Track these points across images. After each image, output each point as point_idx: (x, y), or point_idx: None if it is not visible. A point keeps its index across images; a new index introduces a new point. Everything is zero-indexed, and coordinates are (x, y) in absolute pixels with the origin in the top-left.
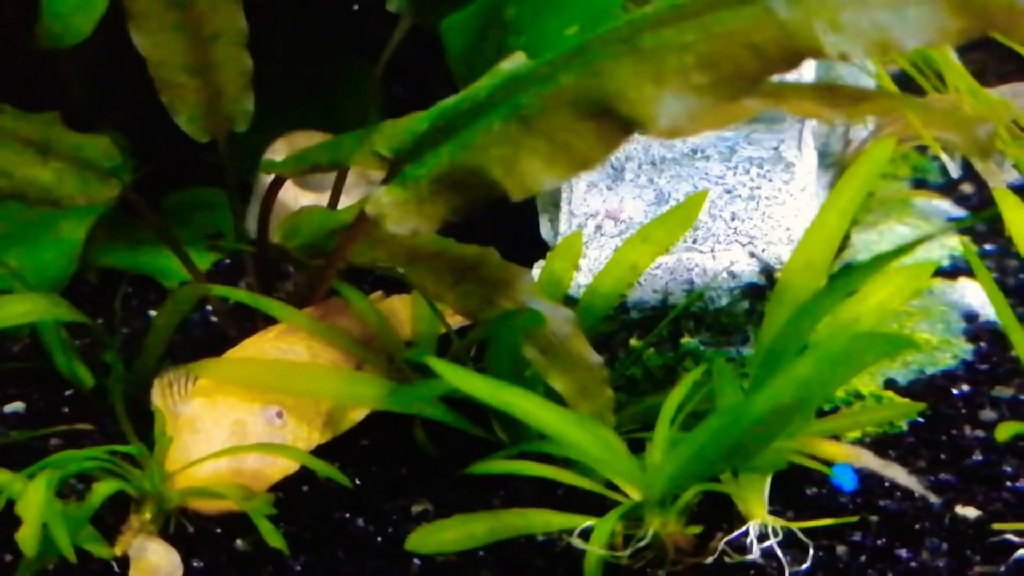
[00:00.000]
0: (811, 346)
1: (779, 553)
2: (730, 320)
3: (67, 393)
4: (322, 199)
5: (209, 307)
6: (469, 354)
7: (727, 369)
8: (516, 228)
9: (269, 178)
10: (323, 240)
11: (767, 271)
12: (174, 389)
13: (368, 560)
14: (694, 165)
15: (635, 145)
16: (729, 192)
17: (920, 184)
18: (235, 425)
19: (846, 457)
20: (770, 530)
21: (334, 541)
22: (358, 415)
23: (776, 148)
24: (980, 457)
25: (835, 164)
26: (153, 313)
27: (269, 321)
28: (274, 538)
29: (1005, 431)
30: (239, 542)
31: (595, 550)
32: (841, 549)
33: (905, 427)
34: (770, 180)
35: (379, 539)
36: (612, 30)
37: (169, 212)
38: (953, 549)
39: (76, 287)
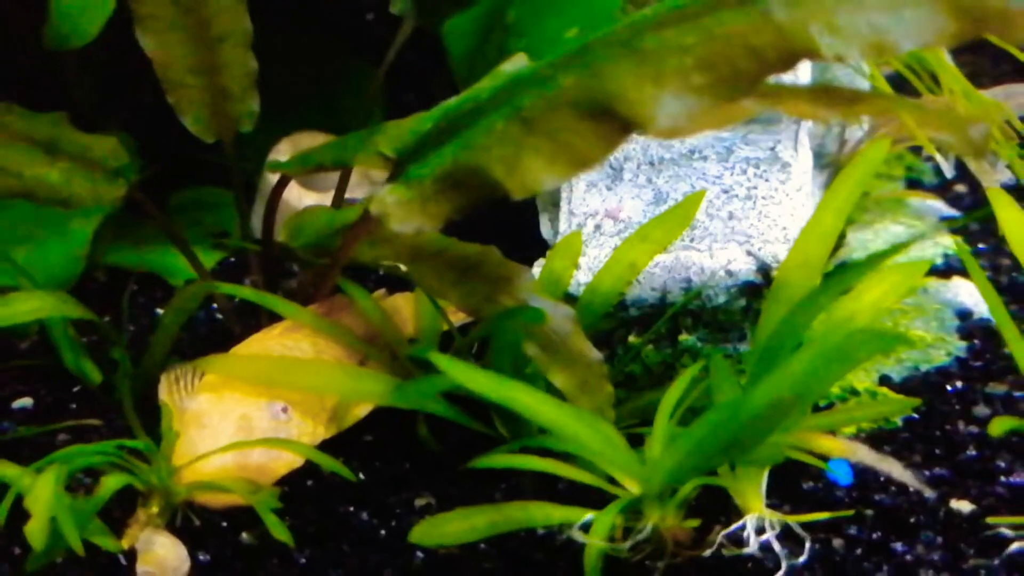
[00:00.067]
0: (807, 343)
1: (776, 546)
2: (727, 317)
3: (75, 389)
4: (325, 199)
5: (215, 305)
6: (471, 351)
7: (724, 365)
8: (517, 227)
9: (274, 178)
10: (327, 239)
11: (764, 269)
12: (181, 385)
13: (372, 553)
14: (692, 165)
15: (634, 145)
16: (726, 192)
17: (914, 184)
18: (241, 420)
19: (842, 452)
20: (767, 523)
21: (339, 534)
22: (362, 411)
23: (772, 148)
24: (974, 452)
25: (831, 164)
26: (160, 311)
27: (274, 318)
28: (279, 531)
29: (999, 426)
30: (245, 535)
31: (595, 543)
32: (837, 542)
33: (900, 423)
34: (767, 180)
35: (383, 532)
36: (612, 32)
37: (175, 211)
38: (948, 543)
39: (84, 285)
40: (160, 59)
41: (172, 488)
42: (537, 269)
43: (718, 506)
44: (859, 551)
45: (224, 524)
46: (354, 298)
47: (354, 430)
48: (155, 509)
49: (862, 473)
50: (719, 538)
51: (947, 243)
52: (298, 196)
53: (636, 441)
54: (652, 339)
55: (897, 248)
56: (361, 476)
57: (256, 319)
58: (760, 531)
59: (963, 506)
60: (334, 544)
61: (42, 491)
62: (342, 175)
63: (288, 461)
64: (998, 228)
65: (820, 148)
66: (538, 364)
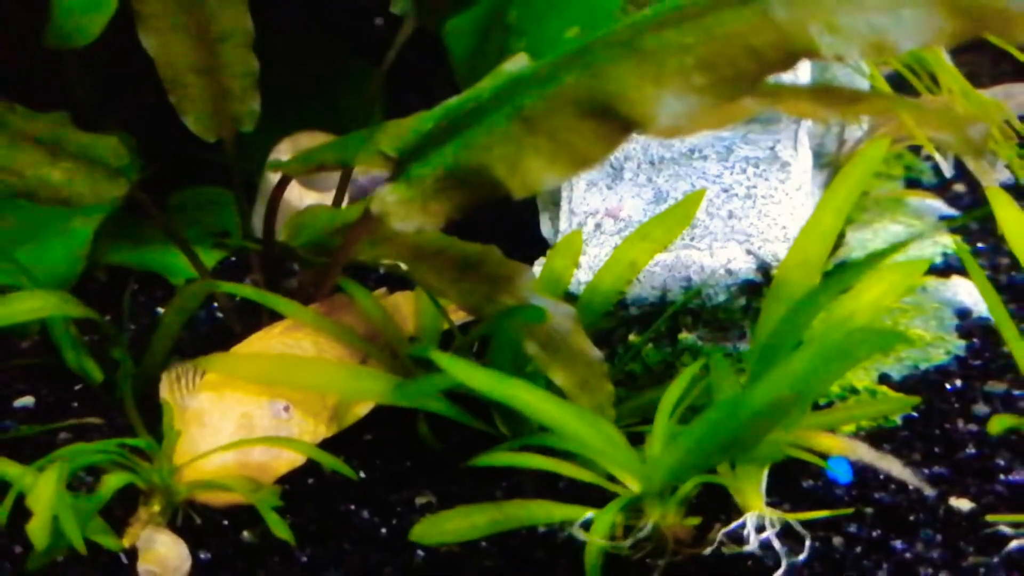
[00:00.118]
0: (806, 341)
1: (776, 544)
2: (727, 316)
3: (76, 388)
4: (326, 198)
5: (215, 304)
6: (471, 349)
7: (724, 364)
8: (517, 226)
9: (274, 177)
10: (328, 238)
11: (763, 268)
12: (182, 383)
13: (373, 551)
14: (692, 164)
15: (634, 145)
16: (726, 191)
17: (914, 183)
18: (242, 419)
19: (842, 450)
20: (767, 521)
21: (340, 533)
22: (363, 409)
23: (772, 148)
24: (973, 450)
25: (830, 164)
26: (160, 310)
27: (274, 317)
28: (281, 530)
29: (998, 424)
30: (246, 534)
31: (596, 541)
32: (837, 540)
33: (899, 421)
34: (766, 179)
35: (384, 530)
36: (613, 32)
37: (175, 211)
38: (947, 541)
39: (85, 284)
40: (162, 58)
41: (173, 487)
42: (538, 268)
43: (718, 504)
44: (859, 549)
45: (225, 522)
46: (355, 297)
47: (355, 428)
48: (156, 508)
49: (862, 471)
50: (719, 536)
51: (946, 242)
52: (299, 195)
53: (636, 439)
54: (652, 338)
55: (896, 247)
56: (362, 474)
57: (257, 318)
58: (760, 529)
59: (962, 504)
60: (335, 542)
61: (44, 490)
62: (343, 175)
63: (289, 459)
64: (997, 227)
65: (819, 147)
66: (539, 363)
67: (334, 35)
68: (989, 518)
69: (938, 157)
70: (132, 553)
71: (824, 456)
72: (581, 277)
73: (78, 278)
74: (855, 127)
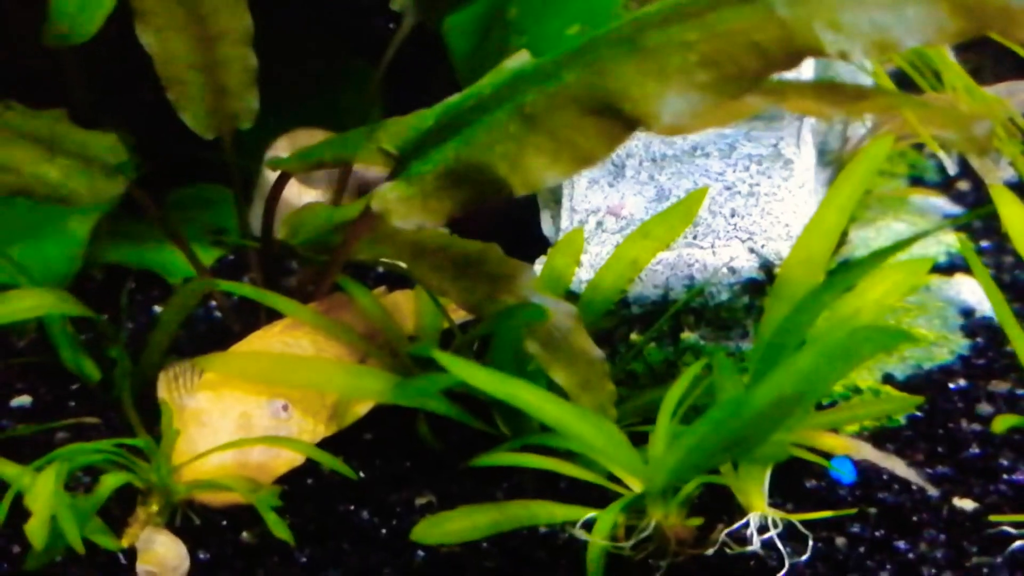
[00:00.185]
0: (810, 340)
1: (779, 545)
2: (730, 315)
3: (73, 387)
4: (325, 196)
5: (213, 302)
6: (472, 348)
7: (727, 363)
8: (518, 224)
9: (272, 175)
10: (327, 236)
11: (766, 267)
12: (180, 383)
13: (373, 552)
14: (694, 162)
15: (636, 142)
16: (729, 189)
17: (917, 181)
18: (241, 418)
19: (845, 450)
20: (770, 522)
21: (339, 533)
22: (362, 409)
23: (775, 145)
24: (977, 450)
25: (833, 161)
26: (157, 308)
27: (273, 316)
28: (280, 530)
29: (1001, 423)
30: (245, 534)
31: (598, 541)
32: (840, 541)
33: (903, 421)
34: (769, 177)
35: (383, 531)
36: (615, 29)
37: (173, 209)
38: (951, 540)
39: (82, 283)
40: (160, 55)
41: (172, 486)
42: (539, 266)
43: (721, 504)
44: (862, 549)
45: (224, 523)
46: (354, 295)
47: (354, 428)
48: (155, 507)
49: (865, 471)
50: (722, 536)
51: (950, 240)
52: (297, 193)
53: (638, 439)
54: (654, 337)
55: (900, 245)
56: (361, 474)
57: (255, 317)
58: (763, 529)
59: (966, 504)
60: (334, 543)
61: (42, 490)
62: (342, 172)
63: (288, 459)
64: (1001, 225)
65: (823, 145)
66: (540, 362)
67: (333, 32)
68: (993, 518)
69: (942, 155)
70: (131, 553)
71: (827, 456)
72: (582, 275)
73: (75, 276)
74: (859, 124)
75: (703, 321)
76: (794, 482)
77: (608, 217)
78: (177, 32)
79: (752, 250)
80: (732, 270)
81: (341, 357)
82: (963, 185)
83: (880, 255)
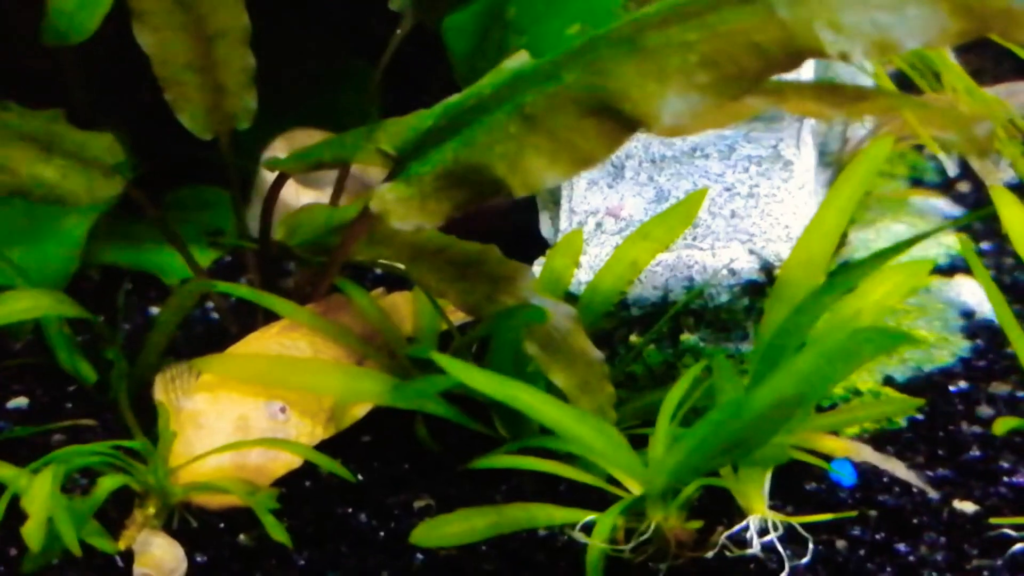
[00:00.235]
0: (810, 342)
1: (779, 547)
2: (730, 317)
3: (70, 389)
4: (322, 197)
5: (210, 304)
6: (470, 350)
7: (727, 365)
8: (517, 226)
9: (270, 175)
10: (325, 237)
11: (766, 268)
12: (177, 384)
13: (371, 554)
14: (694, 163)
15: (635, 143)
16: (729, 190)
17: (917, 183)
18: (238, 420)
19: (845, 452)
20: (770, 524)
21: (337, 535)
22: (360, 411)
23: (775, 146)
24: (978, 453)
25: (833, 162)
26: (154, 310)
27: (270, 318)
28: (277, 532)
29: (1002, 426)
30: (242, 536)
31: (597, 544)
32: (840, 543)
33: (903, 423)
34: (769, 178)
35: (382, 534)
36: (615, 29)
37: (170, 209)
38: (951, 543)
39: (78, 284)
40: (157, 55)
41: (169, 489)
42: (538, 268)
43: (721, 507)
44: (862, 552)
45: (221, 525)
46: (352, 297)
47: (352, 430)
48: (152, 510)
49: (865, 474)
50: (722, 539)
51: (950, 242)
52: (295, 194)
53: (638, 442)
54: (654, 338)
55: (900, 247)
56: (359, 477)
57: (253, 318)
58: (763, 532)
59: (966, 507)
60: (332, 545)
61: (39, 492)
62: (340, 173)
63: (286, 461)
64: (1001, 227)
65: (823, 146)
66: (539, 363)
67: (331, 33)
68: (993, 520)
69: (942, 156)
70: (128, 556)
71: (828, 458)
72: (582, 277)
73: (72, 278)
74: (859, 125)
75: (703, 323)
76: (794, 484)
77: (607, 218)
78: (175, 32)
79: (752, 251)
80: (732, 271)
81: (339, 359)
82: (963, 186)
83: (880, 257)
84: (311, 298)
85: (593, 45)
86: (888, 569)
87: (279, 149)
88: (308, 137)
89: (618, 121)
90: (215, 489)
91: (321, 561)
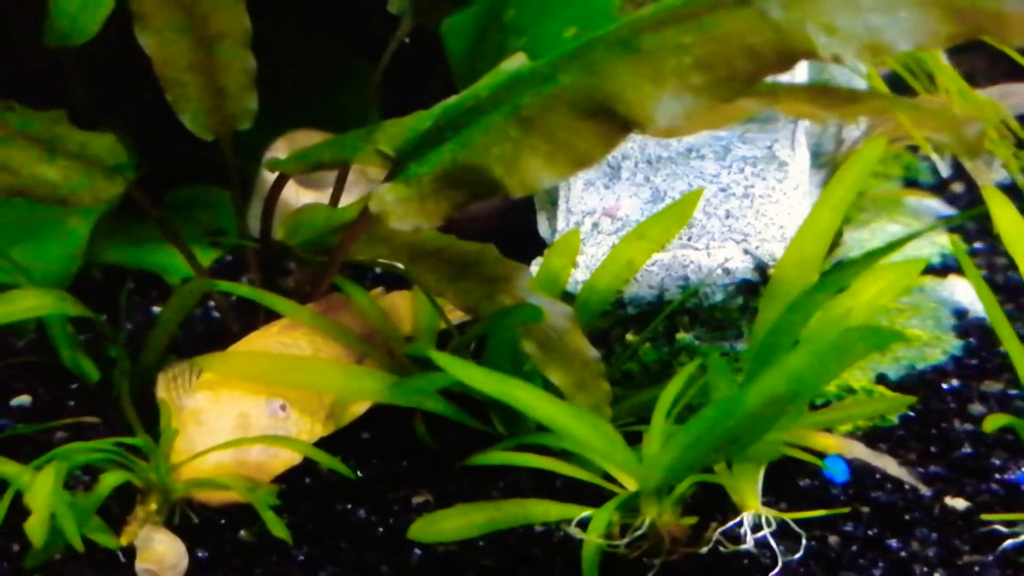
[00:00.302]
0: (803, 340)
1: (772, 543)
2: (724, 316)
3: (72, 387)
4: (322, 197)
5: (212, 303)
6: (468, 349)
7: (721, 363)
8: (515, 226)
9: (270, 176)
10: (325, 237)
11: (761, 268)
12: (178, 383)
13: (370, 550)
14: (689, 164)
15: (632, 144)
16: (724, 190)
17: (911, 183)
18: (239, 418)
19: (838, 449)
20: (764, 520)
21: (337, 531)
22: (360, 408)
23: (770, 147)
24: (969, 450)
25: (828, 163)
26: (156, 309)
27: (271, 317)
28: (278, 528)
29: (992, 423)
30: (243, 532)
31: (592, 539)
32: (833, 539)
33: (896, 421)
34: (764, 179)
35: (381, 529)
36: (611, 32)
37: (171, 209)
38: (943, 539)
39: (81, 283)
40: (158, 57)
41: (170, 485)
42: (535, 267)
43: (715, 503)
44: (854, 548)
45: (222, 521)
46: (352, 296)
47: (352, 428)
48: (154, 506)
49: (858, 470)
50: (716, 535)
51: (943, 242)
52: (295, 194)
53: (633, 439)
54: (649, 337)
55: (893, 246)
56: (359, 473)
57: (254, 317)
58: (756, 528)
59: (958, 503)
60: (332, 541)
61: (42, 488)
62: (340, 173)
63: (286, 458)
64: (993, 227)
65: (817, 147)
66: (536, 362)
67: (331, 34)
68: (984, 517)
69: (934, 157)
70: (130, 551)
71: (821, 455)
72: (578, 276)
73: (74, 277)
74: (853, 127)
75: (698, 322)
76: (788, 481)
77: (604, 219)
78: (176, 34)
79: (747, 251)
80: (727, 271)
81: (339, 357)
82: (957, 187)
83: (873, 256)
84: (311, 297)
85: (589, 47)
86: (880, 564)
87: (280, 150)
88: (309, 138)
89: (614, 122)
90: (216, 485)
91: (321, 557)
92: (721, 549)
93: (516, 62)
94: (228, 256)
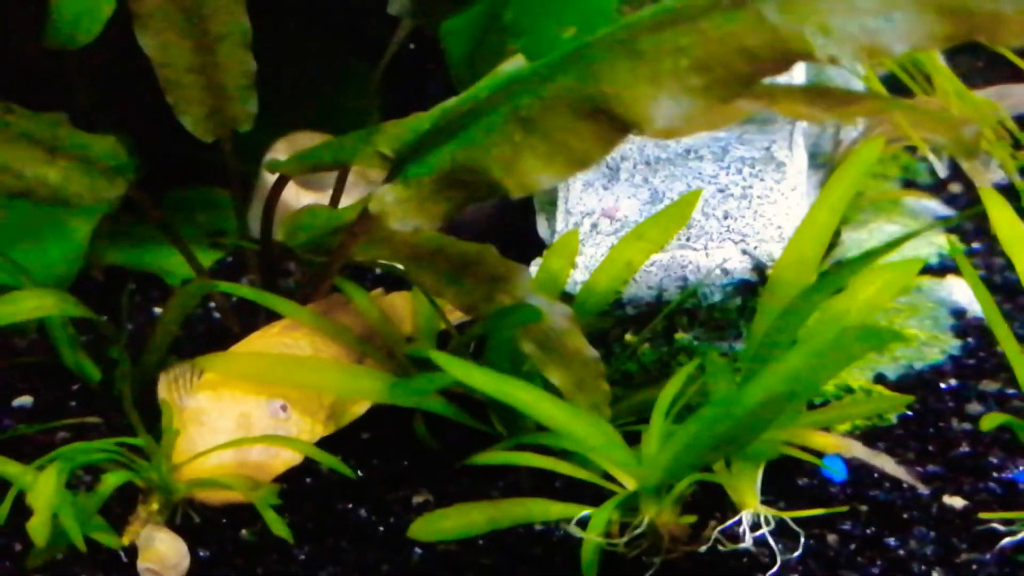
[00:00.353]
0: (801, 340)
1: (771, 542)
2: (723, 316)
3: (74, 387)
4: (322, 198)
5: (213, 304)
6: (468, 349)
7: (720, 363)
8: (514, 227)
9: (271, 177)
10: (325, 238)
11: (759, 268)
12: (180, 383)
13: (370, 549)
14: (688, 165)
15: (630, 145)
16: (722, 191)
17: (909, 184)
18: (240, 418)
19: (836, 448)
20: (762, 519)
21: (337, 531)
22: (360, 408)
23: (768, 148)
24: (967, 449)
25: (825, 164)
26: (157, 310)
27: (271, 317)
28: (279, 528)
29: (989, 422)
30: (244, 532)
31: (592, 538)
32: (831, 538)
33: (894, 420)
34: (762, 179)
35: (381, 529)
36: (609, 33)
37: (172, 210)
38: (940, 538)
39: (82, 284)
40: (159, 59)
41: (172, 485)
42: (534, 268)
43: (714, 502)
44: (853, 546)
45: (224, 521)
46: (352, 297)
47: (352, 428)
48: (155, 506)
49: (856, 469)
50: (715, 534)
51: (941, 242)
52: (295, 195)
53: (633, 438)
54: (648, 337)
55: (891, 245)
56: (359, 473)
57: (254, 318)
58: (755, 527)
59: (956, 502)
60: (333, 540)
61: (44, 488)
62: (340, 175)
63: (287, 458)
64: (991, 227)
65: (815, 148)
66: (535, 362)
67: (332, 35)
68: (982, 515)
69: (932, 158)
70: (131, 551)
71: (819, 454)
72: (577, 277)
73: (76, 278)
74: (851, 128)
75: (696, 322)
76: (786, 480)
77: (603, 219)
78: (176, 35)
79: (745, 252)
80: (725, 271)
81: (339, 358)
82: (955, 188)
83: (871, 256)
84: (312, 298)
85: (588, 49)
86: (878, 563)
87: (281, 151)
88: (309, 140)
89: (612, 123)
90: (217, 485)
91: (321, 556)
92: (720, 548)
93: (515, 63)
94: (229, 257)
